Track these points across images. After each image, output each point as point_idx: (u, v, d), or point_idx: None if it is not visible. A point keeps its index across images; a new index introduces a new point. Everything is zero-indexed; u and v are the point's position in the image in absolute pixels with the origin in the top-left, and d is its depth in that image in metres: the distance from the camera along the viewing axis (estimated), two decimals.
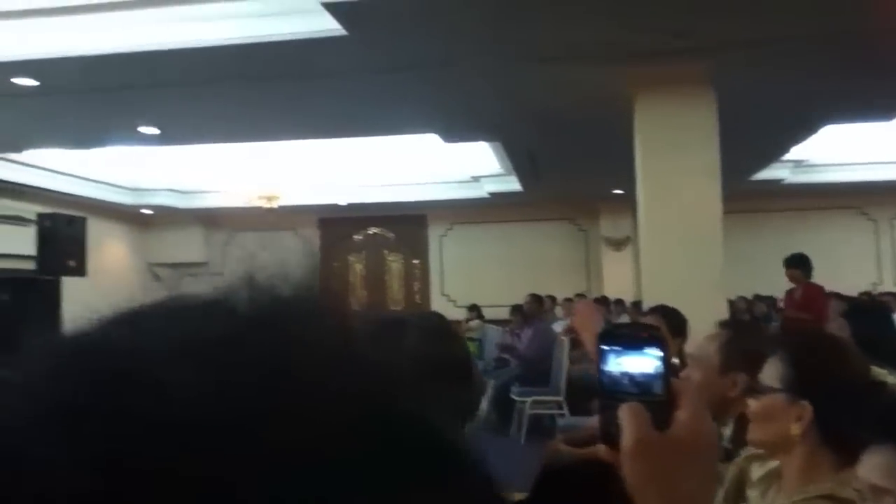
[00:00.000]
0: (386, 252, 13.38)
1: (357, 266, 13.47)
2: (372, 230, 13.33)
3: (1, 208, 9.62)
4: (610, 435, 0.74)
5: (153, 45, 4.91)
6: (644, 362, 0.76)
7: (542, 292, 9.78)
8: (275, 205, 10.40)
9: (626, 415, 0.72)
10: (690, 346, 3.30)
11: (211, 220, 12.91)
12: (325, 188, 11.19)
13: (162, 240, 13.18)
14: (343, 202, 11.78)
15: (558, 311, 10.50)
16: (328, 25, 4.45)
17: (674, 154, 5.18)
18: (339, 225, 13.18)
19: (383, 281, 13.37)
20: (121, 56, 5.01)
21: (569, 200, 11.65)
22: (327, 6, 4.13)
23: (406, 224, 13.02)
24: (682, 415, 0.73)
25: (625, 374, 0.76)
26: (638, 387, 0.75)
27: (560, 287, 11.04)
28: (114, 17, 4.91)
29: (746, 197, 9.87)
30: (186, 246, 13.20)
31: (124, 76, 5.45)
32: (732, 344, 2.07)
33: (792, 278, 6.79)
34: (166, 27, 4.86)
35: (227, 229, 13.16)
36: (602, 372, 0.77)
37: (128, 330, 0.30)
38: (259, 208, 10.60)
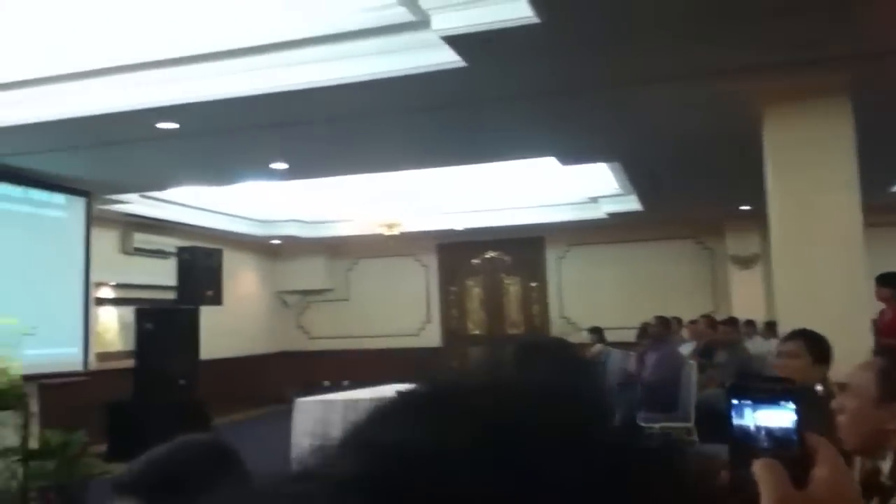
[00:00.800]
0: (503, 275, 13.39)
1: (475, 290, 13.54)
2: (489, 254, 13.39)
3: (145, 243, 10.32)
4: (744, 492, 0.71)
5: (281, 86, 5.17)
6: (779, 416, 0.73)
7: (666, 313, 9.50)
8: (395, 232, 10.64)
9: (764, 472, 0.69)
10: (835, 373, 3.13)
11: (334, 248, 13.35)
12: (442, 214, 11.36)
13: (289, 268, 13.74)
14: (460, 227, 11.91)
15: (684, 332, 10.17)
16: (448, 58, 4.56)
17: (808, 168, 4.95)
18: (456, 250, 13.32)
19: (501, 304, 13.38)
20: (252, 98, 5.31)
21: (691, 218, 11.31)
22: (448, 40, 4.23)
23: (523, 247, 13.00)
24: (821, 471, 0.70)
25: (759, 429, 0.74)
26: (773, 442, 0.73)
27: (685, 308, 10.70)
28: (245, 62, 5.21)
29: (889, 210, 9.31)
30: (311, 273, 13.71)
31: (256, 116, 5.75)
32: (891, 373, 1.95)
33: (882, 298, 6.24)
34: (293, 70, 5.10)
35: (349, 257, 13.57)
36: (733, 426, 0.75)
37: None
38: (380, 235, 10.87)
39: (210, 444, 1.18)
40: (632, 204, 9.97)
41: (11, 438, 5.24)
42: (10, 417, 5.20)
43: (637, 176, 8.46)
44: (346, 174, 8.65)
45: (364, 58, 4.79)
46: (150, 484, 1.08)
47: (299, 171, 7.97)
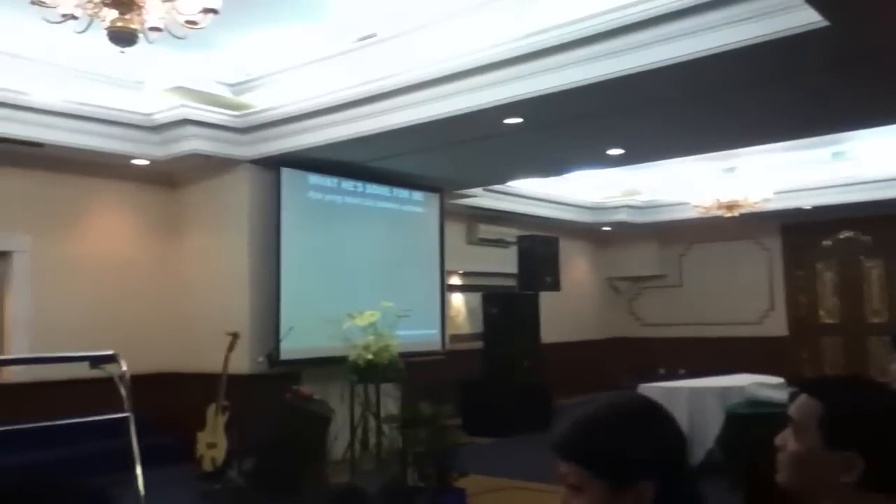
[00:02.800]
0: (862, 258, 11.98)
1: (827, 274, 12.29)
2: (844, 234, 12.07)
3: (488, 233, 11.03)
4: None
5: (620, 71, 5.16)
6: None
7: None
8: (735, 213, 10.07)
9: None
10: None
11: (666, 233, 13.04)
12: (787, 192, 10.49)
13: (619, 255, 13.73)
14: (808, 205, 10.89)
15: None
16: (806, 20, 4.20)
17: None
18: (804, 231, 12.21)
19: (860, 290, 11.98)
20: (593, 86, 5.38)
21: None
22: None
23: (887, 225, 11.50)
24: None
25: None
26: None
27: None
28: (587, 51, 5.30)
29: None
30: (642, 260, 13.54)
31: (596, 104, 5.83)
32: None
33: None
34: (632, 53, 5.07)
35: (682, 242, 13.16)
36: None
37: None
38: (717, 218, 10.37)
39: (643, 401, 1.21)
40: None
41: (391, 408, 5.97)
42: (391, 389, 5.92)
43: None
44: (683, 155, 8.40)
45: (714, 29, 4.60)
46: (590, 449, 1.13)
47: (635, 155, 7.92)
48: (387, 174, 8.13)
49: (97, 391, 4.85)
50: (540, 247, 10.06)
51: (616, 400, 1.20)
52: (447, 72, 6.00)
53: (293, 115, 7.00)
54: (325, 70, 6.75)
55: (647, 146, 7.45)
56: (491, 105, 5.92)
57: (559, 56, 5.42)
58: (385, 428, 5.64)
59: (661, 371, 11.31)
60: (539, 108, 5.95)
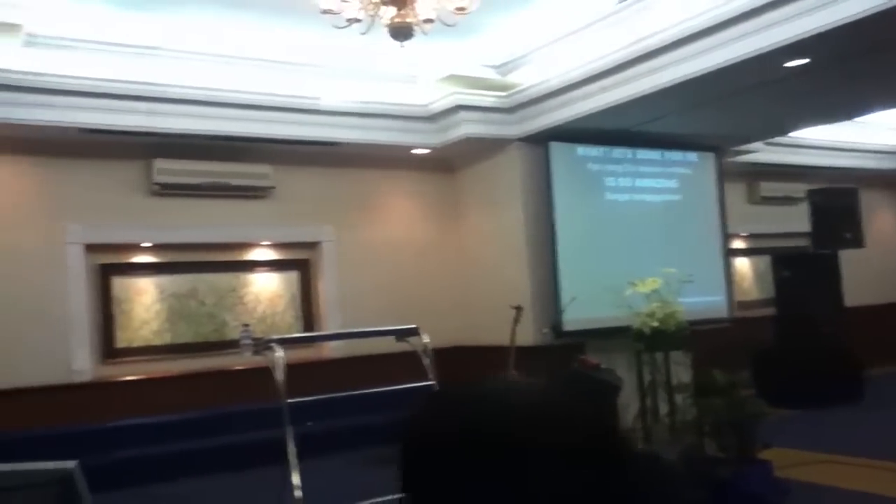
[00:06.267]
0: None
1: None
2: None
3: (772, 191, 10.24)
4: None
5: None
6: None
7: None
8: None
9: None
10: None
11: None
12: None
13: None
14: None
15: None
16: None
17: None
18: None
19: None
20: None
21: None
22: None
23: None
24: None
25: None
26: None
27: None
28: None
29: None
30: None
31: None
32: None
33: None
34: None
35: None
36: None
37: None
38: None
39: None
40: None
41: (681, 376, 5.78)
42: (680, 357, 5.73)
43: None
44: None
45: None
46: None
47: None
48: (656, 137, 7.86)
49: (399, 364, 5.28)
50: (836, 200, 9.09)
51: None
52: (720, 19, 5.64)
53: (558, 88, 7.03)
54: (586, 39, 6.68)
55: None
56: (772, 48, 5.47)
57: None
58: (678, 397, 5.47)
59: None
60: (828, 44, 5.37)
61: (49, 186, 6.78)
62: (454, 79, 7.31)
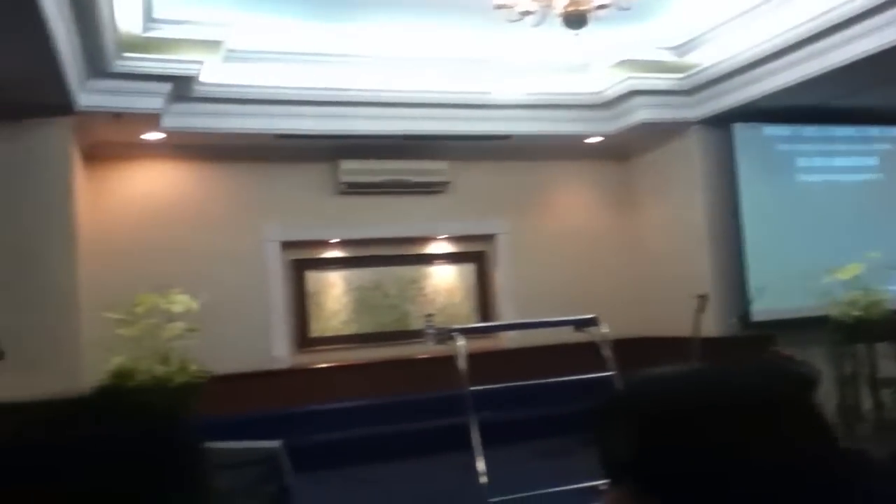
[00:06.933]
0: None
1: None
2: None
3: None
4: None
5: None
6: None
7: None
8: None
9: None
10: None
11: None
12: None
13: None
14: None
15: None
16: None
17: None
18: None
19: None
20: None
21: None
22: None
23: None
24: None
25: None
26: None
27: None
28: None
29: None
30: None
31: None
32: None
33: None
34: None
35: None
36: None
37: None
38: None
39: None
40: None
41: (889, 369, 5.34)
42: (886, 349, 5.30)
43: None
44: None
45: None
46: None
47: None
48: (852, 112, 7.27)
49: (574, 355, 5.25)
50: None
51: None
52: None
53: (742, 65, 6.69)
54: (770, 12, 6.29)
55: None
56: None
57: None
58: (884, 392, 5.05)
59: None
60: None
61: (249, 189, 7.38)
62: (628, 63, 7.14)
